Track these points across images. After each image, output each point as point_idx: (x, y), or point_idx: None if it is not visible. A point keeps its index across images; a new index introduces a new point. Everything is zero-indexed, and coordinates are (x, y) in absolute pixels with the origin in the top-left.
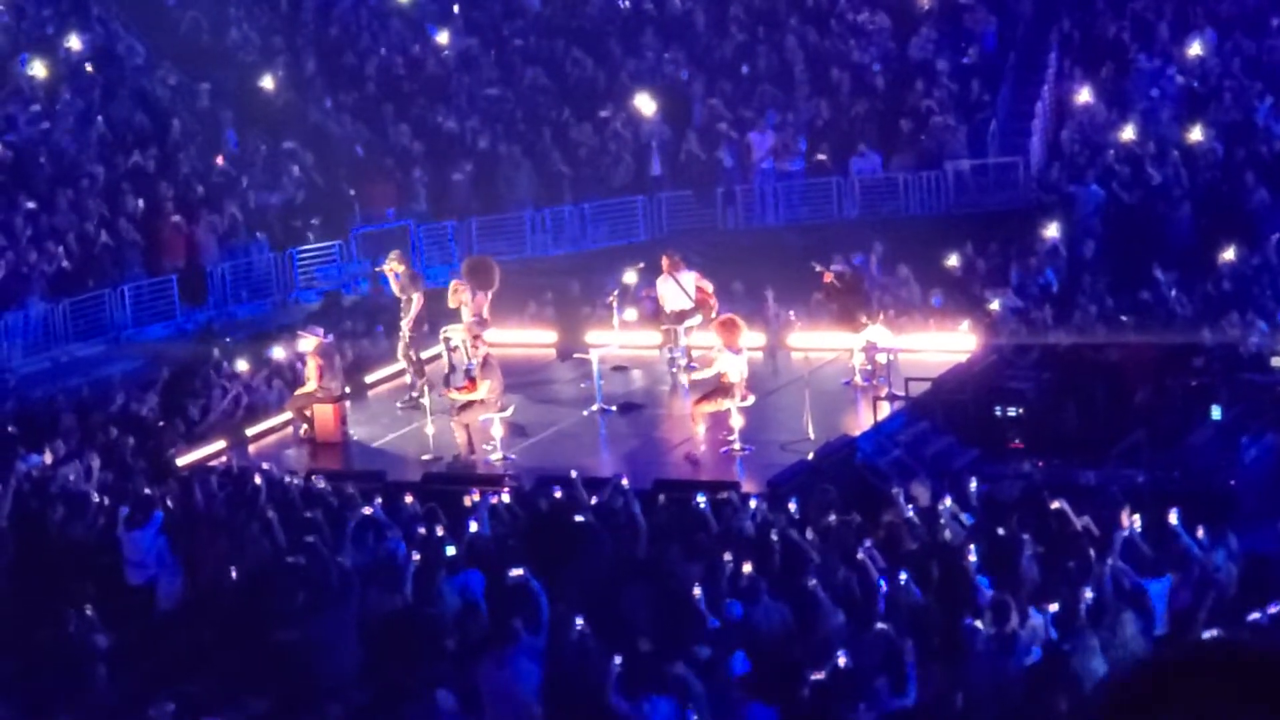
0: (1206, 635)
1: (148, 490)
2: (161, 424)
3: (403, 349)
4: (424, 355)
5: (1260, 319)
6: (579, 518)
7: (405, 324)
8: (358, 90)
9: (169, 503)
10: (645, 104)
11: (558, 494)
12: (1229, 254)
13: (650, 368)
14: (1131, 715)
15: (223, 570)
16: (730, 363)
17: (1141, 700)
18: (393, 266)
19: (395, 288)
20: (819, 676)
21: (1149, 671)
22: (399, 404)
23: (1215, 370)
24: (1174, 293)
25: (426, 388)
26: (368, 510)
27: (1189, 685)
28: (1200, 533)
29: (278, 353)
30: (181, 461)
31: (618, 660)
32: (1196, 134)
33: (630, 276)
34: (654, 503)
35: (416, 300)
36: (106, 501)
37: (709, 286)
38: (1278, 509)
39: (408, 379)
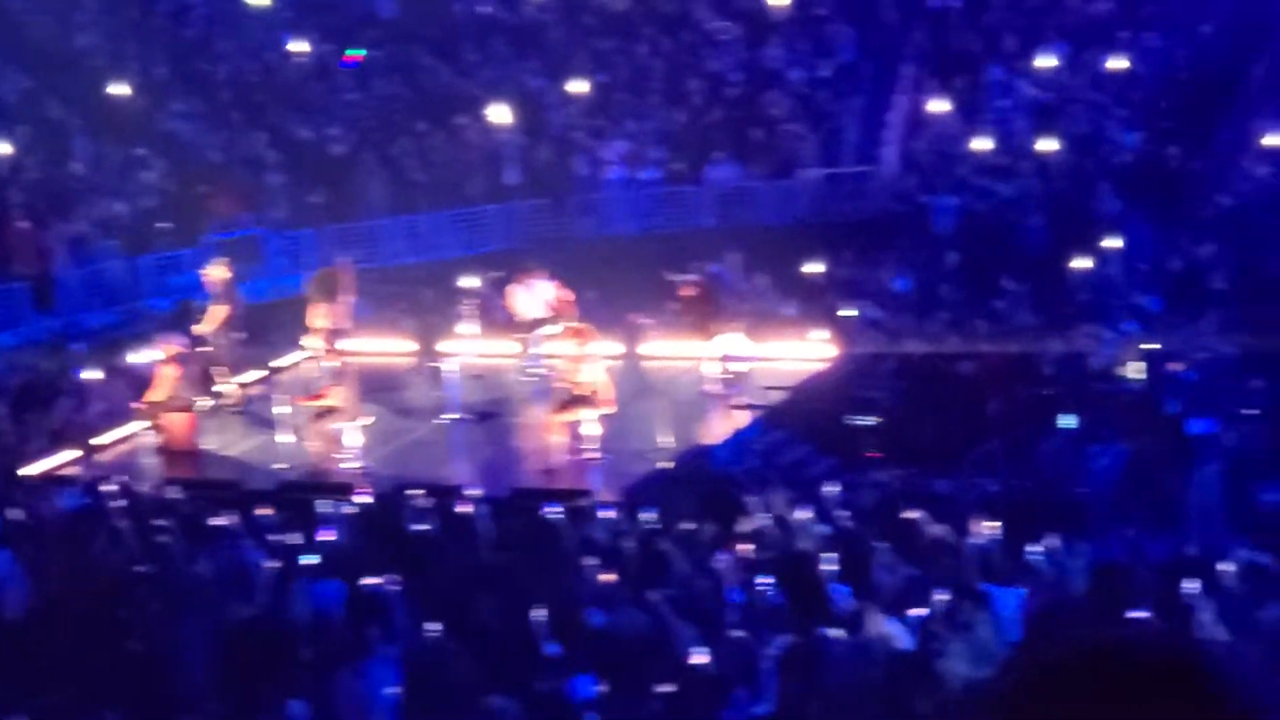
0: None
1: None
2: (10, 433)
3: (219, 354)
4: (280, 364)
5: (1108, 329)
6: (434, 526)
7: (212, 329)
8: (211, 97)
9: (16, 512)
10: (500, 113)
11: (414, 502)
12: (1079, 264)
13: (506, 376)
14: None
15: (72, 581)
16: (587, 371)
17: (1014, 700)
18: (214, 273)
19: (215, 293)
20: (674, 687)
21: (1017, 673)
22: (229, 408)
23: (1066, 380)
24: (1026, 303)
25: (235, 389)
26: (221, 519)
27: (1060, 685)
28: (1052, 541)
29: (130, 361)
30: (32, 470)
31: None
32: (1048, 145)
33: (481, 284)
34: (510, 511)
35: (227, 309)
36: None
37: (566, 295)
38: (1128, 517)
39: (232, 385)
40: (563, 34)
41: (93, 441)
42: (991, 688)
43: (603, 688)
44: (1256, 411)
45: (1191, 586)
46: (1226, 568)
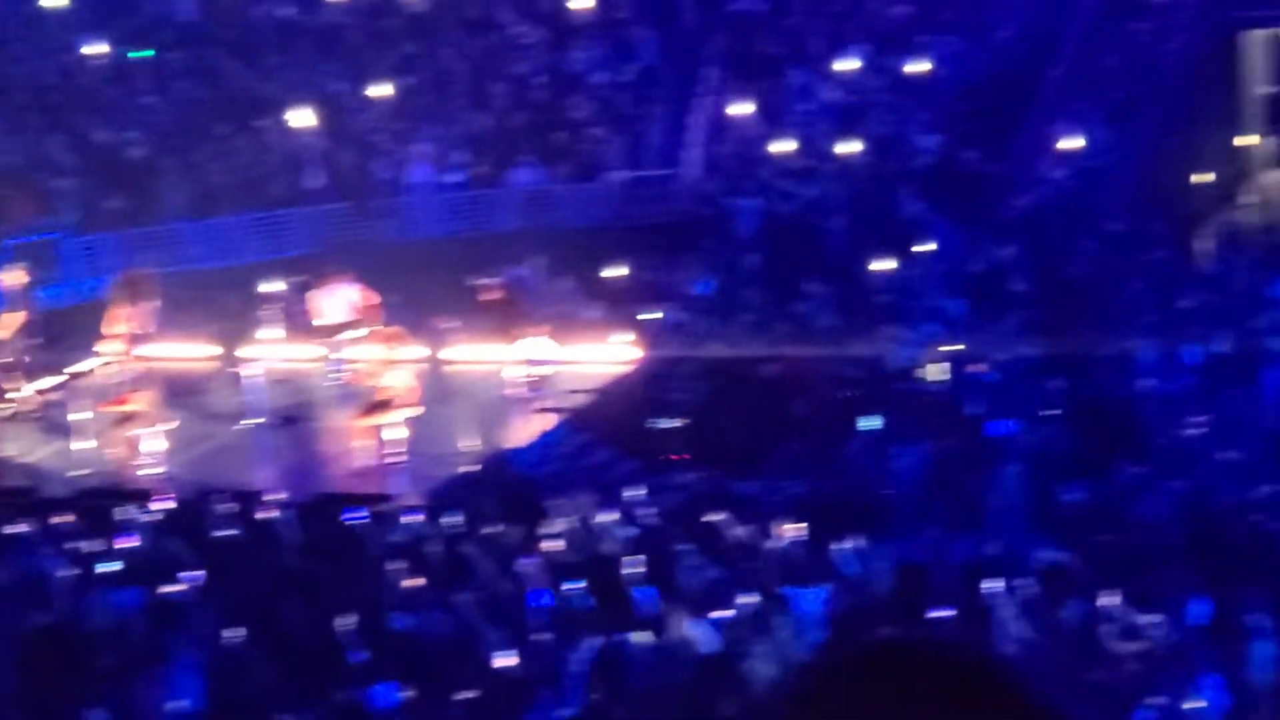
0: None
1: None
2: None
3: (15, 360)
4: (79, 369)
5: (910, 331)
6: (236, 532)
7: (7, 335)
8: (6, 99)
9: None
10: (302, 116)
11: (216, 508)
12: (881, 267)
13: (310, 381)
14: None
15: None
16: (391, 376)
17: (811, 700)
18: (9, 278)
19: (10, 298)
20: (478, 692)
21: (815, 672)
22: (26, 415)
23: (868, 381)
24: (828, 305)
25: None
26: (17, 527)
27: (858, 684)
28: (855, 542)
29: None
30: None
31: None
32: (850, 148)
33: (284, 289)
34: (314, 516)
35: (23, 315)
36: None
37: (370, 299)
38: (930, 518)
39: (28, 391)
40: (365, 37)
41: None
42: (787, 689)
43: (406, 693)
44: (1057, 412)
45: (992, 586)
46: (1028, 566)
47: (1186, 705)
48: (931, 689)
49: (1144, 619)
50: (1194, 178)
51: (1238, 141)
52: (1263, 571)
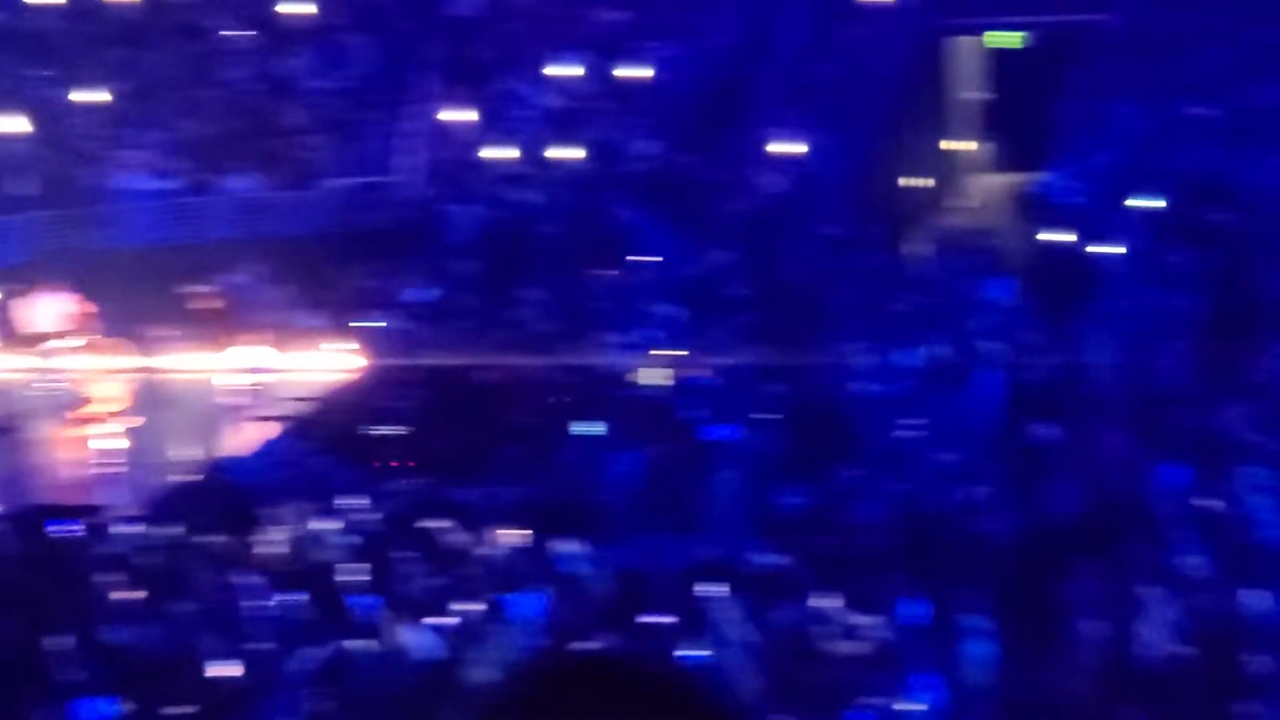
0: (578, 647)
1: None
2: None
3: None
4: None
5: (629, 336)
6: None
7: None
8: None
9: None
10: (12, 122)
11: None
12: (600, 272)
13: (20, 391)
14: None
15: None
16: (106, 385)
17: (513, 711)
18: None
19: None
20: (196, 703)
21: (521, 683)
22: None
23: (587, 387)
24: (548, 311)
25: None
26: None
27: (559, 696)
28: (574, 547)
29: None
30: None
31: None
32: (568, 154)
33: None
34: (25, 529)
35: None
36: None
37: (83, 308)
38: (648, 522)
39: None
40: (77, 42)
41: None
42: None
43: (120, 708)
44: (774, 416)
45: (710, 589)
46: (743, 569)
47: (902, 705)
48: (617, 704)
49: (860, 620)
50: (906, 182)
51: (949, 146)
52: (975, 572)
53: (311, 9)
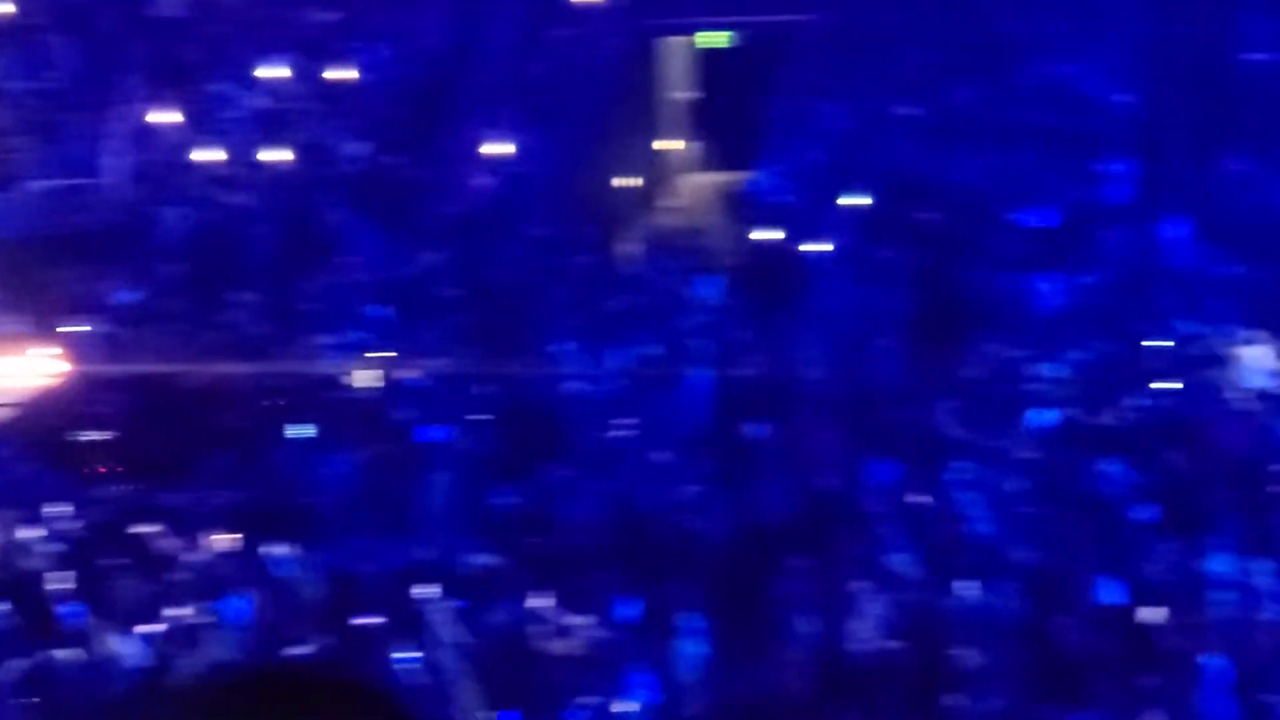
0: (288, 652)
1: None
2: None
3: None
4: None
5: (339, 338)
6: None
7: None
8: None
9: None
10: None
11: None
12: (310, 274)
13: None
14: None
15: None
16: None
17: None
18: None
19: None
20: None
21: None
22: None
23: (297, 390)
24: (257, 313)
25: None
26: None
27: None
28: (285, 550)
29: None
30: None
31: None
32: (277, 155)
33: None
34: None
35: None
36: None
37: None
38: (360, 524)
39: None
40: None
41: None
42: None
43: None
44: (486, 417)
45: (424, 590)
46: (457, 570)
47: (617, 705)
48: (302, 714)
49: (574, 619)
50: (617, 182)
51: (659, 146)
52: (688, 571)
53: (10, 8)
